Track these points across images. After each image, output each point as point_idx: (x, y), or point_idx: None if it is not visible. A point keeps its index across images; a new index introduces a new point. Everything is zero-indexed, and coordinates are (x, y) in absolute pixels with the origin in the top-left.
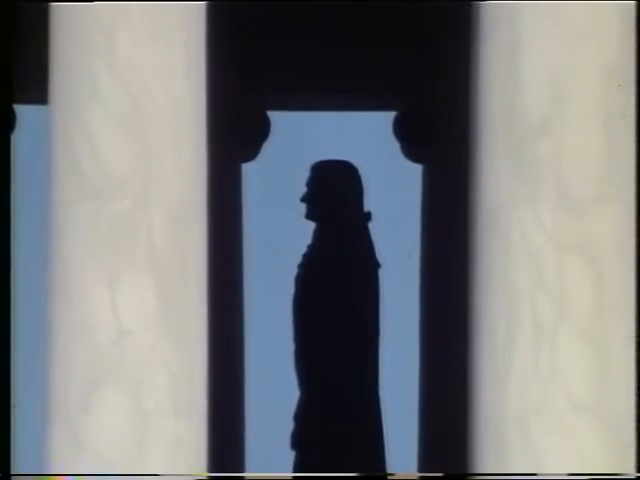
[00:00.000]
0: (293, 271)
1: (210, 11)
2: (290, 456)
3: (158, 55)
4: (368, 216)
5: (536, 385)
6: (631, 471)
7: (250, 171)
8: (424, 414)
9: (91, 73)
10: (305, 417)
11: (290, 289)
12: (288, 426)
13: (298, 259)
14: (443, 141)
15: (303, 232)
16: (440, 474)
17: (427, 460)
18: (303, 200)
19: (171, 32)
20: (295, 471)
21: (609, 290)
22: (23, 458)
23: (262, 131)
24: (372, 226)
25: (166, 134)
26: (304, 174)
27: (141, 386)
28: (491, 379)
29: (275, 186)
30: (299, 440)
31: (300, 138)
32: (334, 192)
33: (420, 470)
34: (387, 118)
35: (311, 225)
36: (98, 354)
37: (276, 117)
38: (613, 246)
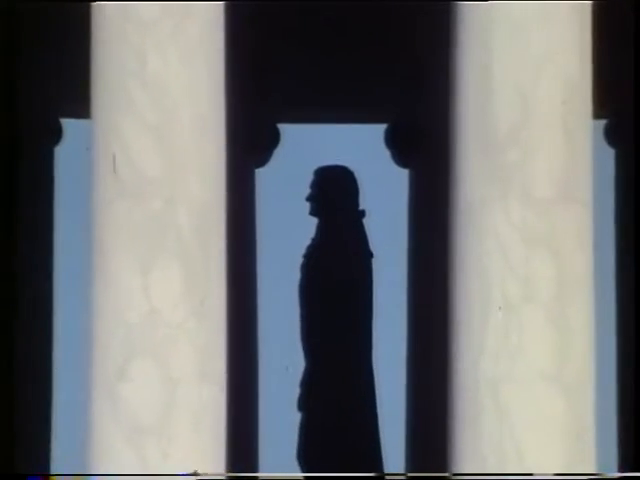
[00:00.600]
0: (299, 259)
1: (228, 35)
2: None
3: (183, 73)
4: (362, 213)
5: (506, 357)
6: (589, 435)
7: (262, 175)
8: (411, 381)
9: (126, 90)
10: (309, 382)
11: (296, 274)
12: (295, 389)
13: (303, 249)
14: (426, 149)
15: (308, 226)
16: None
17: (414, 429)
18: (308, 199)
19: (194, 53)
20: (302, 432)
21: (568, 276)
22: (65, 424)
23: (272, 140)
24: (366, 221)
25: (191, 143)
26: (308, 177)
27: (169, 357)
28: (467, 352)
29: (283, 187)
30: (305, 403)
31: (305, 147)
32: (334, 193)
33: (407, 439)
34: (379, 130)
35: (314, 220)
36: (132, 330)
37: (284, 128)
38: (572, 239)
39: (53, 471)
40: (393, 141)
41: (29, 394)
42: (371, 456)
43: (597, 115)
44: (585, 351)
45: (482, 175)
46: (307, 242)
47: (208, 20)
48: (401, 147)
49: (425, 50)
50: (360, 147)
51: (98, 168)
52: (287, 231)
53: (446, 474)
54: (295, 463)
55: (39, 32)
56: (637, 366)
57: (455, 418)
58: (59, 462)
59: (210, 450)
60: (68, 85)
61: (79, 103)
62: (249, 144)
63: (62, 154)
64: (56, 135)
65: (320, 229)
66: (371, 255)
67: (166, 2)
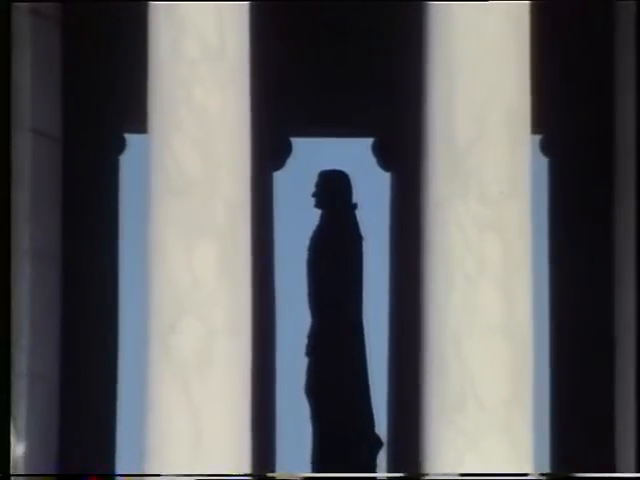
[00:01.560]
0: (307, 241)
1: (253, 71)
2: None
3: (219, 99)
4: (355, 205)
5: (465, 319)
6: (529, 371)
7: (278, 177)
8: (393, 338)
9: (176, 112)
10: (313, 339)
11: (305, 252)
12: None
13: (310, 232)
14: (404, 157)
15: (313, 216)
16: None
17: (394, 378)
18: (313, 195)
19: (227, 84)
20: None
21: (513, 254)
22: (127, 370)
23: (286, 150)
24: (357, 212)
25: (225, 153)
26: (313, 179)
27: (208, 315)
28: (435, 315)
29: (294, 187)
30: (312, 350)
31: (310, 155)
32: (333, 190)
33: (389, 384)
34: (367, 142)
35: (318, 211)
36: (181, 295)
37: (295, 141)
38: (517, 226)
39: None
40: (378, 151)
41: (98, 345)
42: (361, 401)
43: (534, 132)
44: (526, 310)
45: (447, 177)
46: (313, 228)
47: (237, 58)
48: (384, 156)
49: (402, 76)
50: (353, 155)
51: (153, 173)
52: (298, 220)
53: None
54: (305, 395)
55: (114, 65)
56: (567, 320)
57: (427, 369)
58: (124, 403)
59: (239, 385)
60: (130, 108)
61: (139, 122)
62: (268, 153)
63: (125, 162)
64: (121, 146)
65: (322, 218)
66: (361, 238)
67: (205, 44)
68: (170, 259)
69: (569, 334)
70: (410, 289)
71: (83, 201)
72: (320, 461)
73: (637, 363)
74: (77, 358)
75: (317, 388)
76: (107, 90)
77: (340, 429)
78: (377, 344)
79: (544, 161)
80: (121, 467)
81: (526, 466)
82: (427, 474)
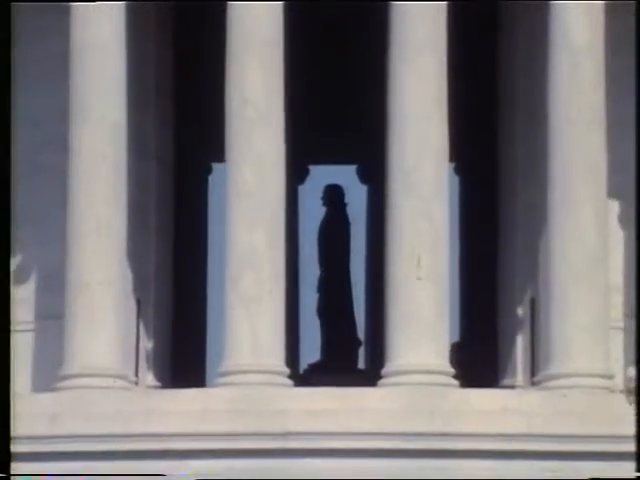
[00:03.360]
0: (317, 227)
1: (286, 128)
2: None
3: (267, 140)
4: (346, 205)
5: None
6: (446, 315)
7: (302, 188)
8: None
9: (241, 149)
10: (321, 283)
11: (316, 234)
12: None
13: (319, 222)
14: (375, 176)
15: (321, 211)
16: None
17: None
18: (321, 198)
19: (272, 134)
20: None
21: (440, 236)
22: (213, 327)
23: (306, 172)
24: (348, 209)
25: (271, 177)
26: (321, 188)
27: (259, 275)
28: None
29: (311, 193)
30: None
31: (320, 175)
32: (333, 195)
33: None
34: (353, 168)
35: (323, 208)
36: (244, 262)
37: (311, 167)
38: (442, 217)
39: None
40: (359, 173)
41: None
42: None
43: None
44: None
45: (400, 188)
46: (321, 217)
47: (277, 116)
48: (362, 176)
49: (376, 126)
50: (344, 175)
51: (229, 191)
52: (313, 212)
53: None
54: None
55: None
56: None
57: (388, 300)
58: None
59: (279, 311)
60: (215, 145)
61: (220, 155)
62: (295, 174)
63: (212, 183)
64: (208, 172)
65: (327, 212)
66: (349, 224)
67: (257, 106)
68: (238, 240)
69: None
70: (378, 254)
71: (187, 208)
72: (327, 355)
73: None
74: (184, 291)
75: (324, 310)
76: (201, 130)
77: (337, 334)
78: (358, 286)
79: (455, 179)
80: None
81: (443, 360)
82: None
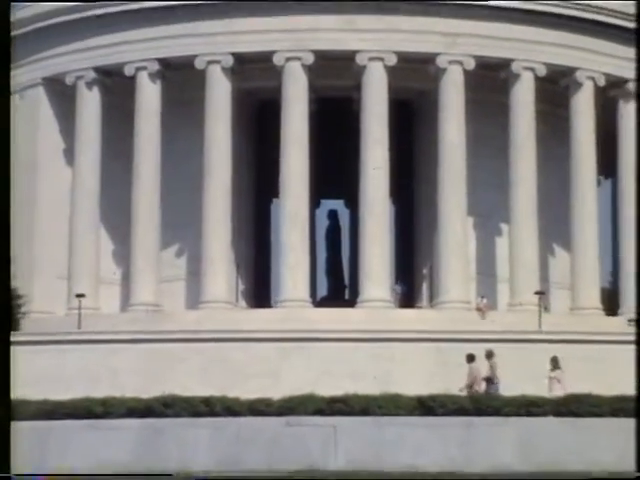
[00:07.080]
0: (324, 231)
1: (311, 174)
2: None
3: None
4: (338, 220)
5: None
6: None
7: (318, 212)
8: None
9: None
10: (328, 264)
11: (324, 232)
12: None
13: (326, 228)
14: (355, 205)
15: (326, 223)
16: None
17: None
18: (327, 217)
19: (296, 180)
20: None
21: (385, 234)
22: None
23: (319, 203)
24: (340, 223)
25: (298, 204)
26: (326, 212)
27: (298, 256)
28: None
29: (321, 214)
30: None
31: (326, 204)
32: (333, 216)
33: None
34: (341, 202)
35: (327, 221)
36: (290, 250)
37: (322, 202)
38: (387, 227)
39: None
40: (345, 203)
41: None
42: None
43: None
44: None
45: (366, 213)
46: (326, 227)
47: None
48: (348, 205)
49: (354, 176)
50: (338, 205)
51: (281, 217)
52: (322, 225)
53: None
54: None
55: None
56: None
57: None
58: None
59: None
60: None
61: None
62: (313, 204)
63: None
64: (270, 204)
65: (330, 224)
66: (340, 229)
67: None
68: (286, 239)
69: None
70: (354, 245)
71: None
72: (330, 292)
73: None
74: (260, 260)
75: (328, 271)
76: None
77: (335, 282)
78: (345, 258)
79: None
80: None
81: (386, 295)
82: None
